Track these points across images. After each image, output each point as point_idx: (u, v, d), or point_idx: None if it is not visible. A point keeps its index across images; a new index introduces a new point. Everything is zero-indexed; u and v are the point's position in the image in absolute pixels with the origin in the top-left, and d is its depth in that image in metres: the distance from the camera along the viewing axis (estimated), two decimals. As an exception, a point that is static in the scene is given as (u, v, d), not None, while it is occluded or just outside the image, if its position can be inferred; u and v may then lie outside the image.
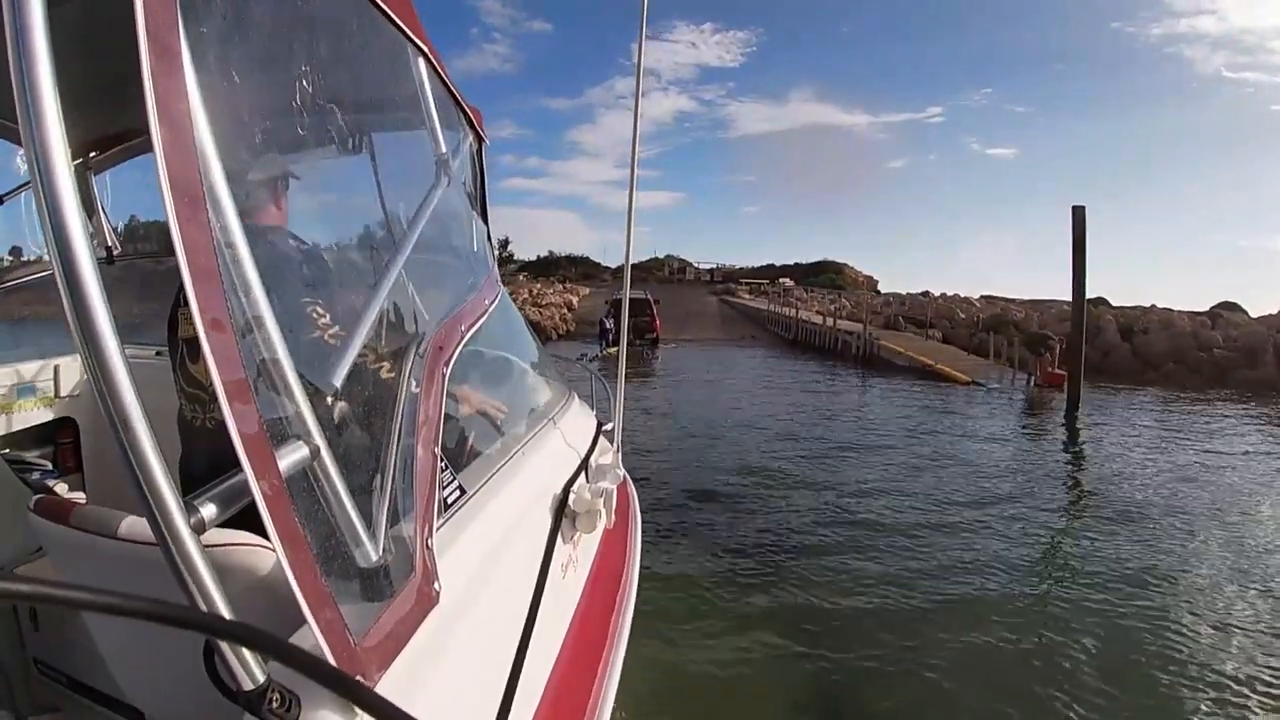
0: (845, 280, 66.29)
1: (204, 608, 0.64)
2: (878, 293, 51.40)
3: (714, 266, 77.25)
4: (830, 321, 25.27)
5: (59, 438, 2.38)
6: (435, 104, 1.72)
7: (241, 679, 0.68)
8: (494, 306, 1.73)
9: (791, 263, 78.53)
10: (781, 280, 58.26)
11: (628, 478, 2.60)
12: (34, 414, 2.31)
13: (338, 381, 0.95)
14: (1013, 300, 40.11)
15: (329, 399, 0.94)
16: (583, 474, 1.96)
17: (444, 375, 1.25)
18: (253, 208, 1.18)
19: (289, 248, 1.33)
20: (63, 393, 2.39)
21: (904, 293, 47.93)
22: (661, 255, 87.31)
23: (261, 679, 0.69)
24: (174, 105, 0.66)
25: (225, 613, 0.66)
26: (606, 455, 2.20)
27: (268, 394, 0.79)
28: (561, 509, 1.71)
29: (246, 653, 0.67)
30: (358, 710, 0.73)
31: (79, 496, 2.22)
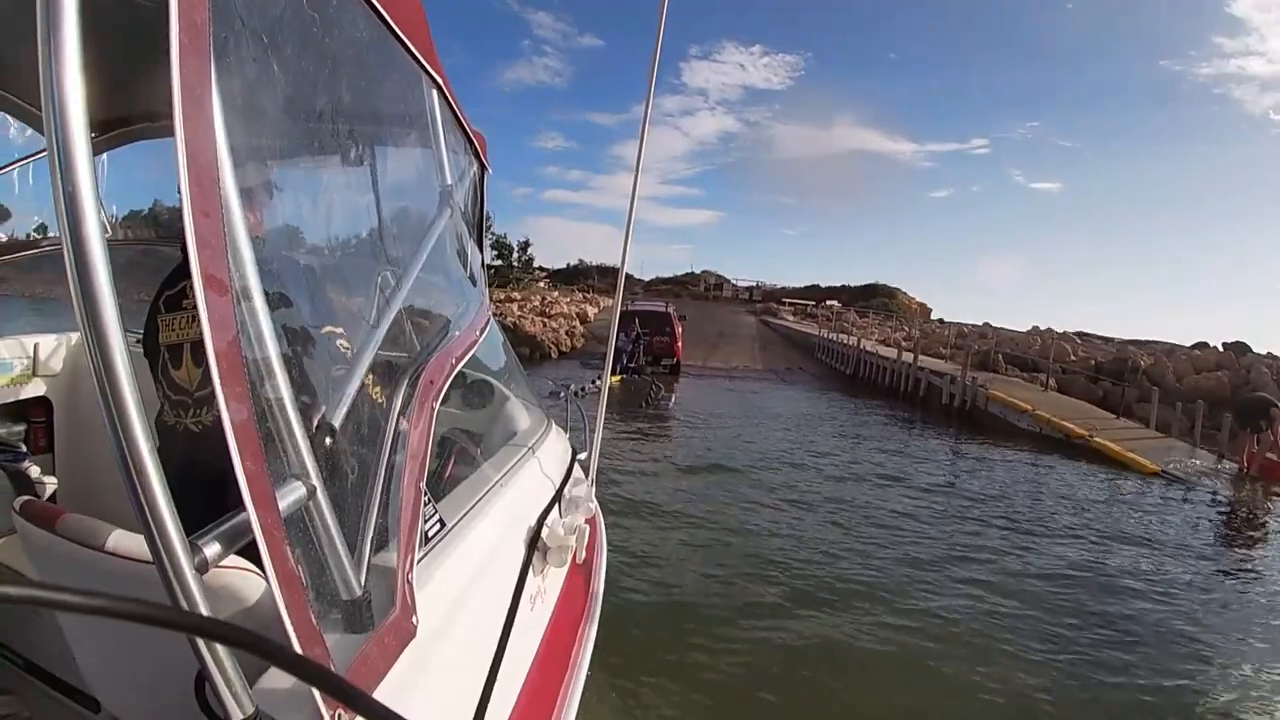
0: (897, 306, 59.59)
1: (200, 639, 0.66)
2: (941, 322, 44.77)
3: (753, 285, 70.85)
4: (909, 357, 19.18)
5: (32, 416, 2.30)
6: (444, 134, 1.77)
7: (231, 709, 0.69)
8: (484, 337, 1.77)
9: (838, 284, 71.49)
10: (828, 302, 52.12)
11: (597, 508, 2.59)
12: (8, 391, 2.27)
13: (336, 420, 0.97)
14: (1109, 339, 33.48)
15: (326, 437, 0.95)
16: (556, 506, 1.94)
17: (433, 409, 1.26)
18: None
19: (292, 272, 1.30)
20: (40, 371, 2.33)
21: (968, 323, 41.17)
22: (698, 271, 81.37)
23: (250, 709, 0.70)
24: (203, 154, 0.68)
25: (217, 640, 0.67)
26: (580, 486, 2.21)
27: (271, 434, 0.80)
28: (534, 542, 1.70)
29: (237, 684, 0.69)
30: None
31: (49, 481, 2.17)
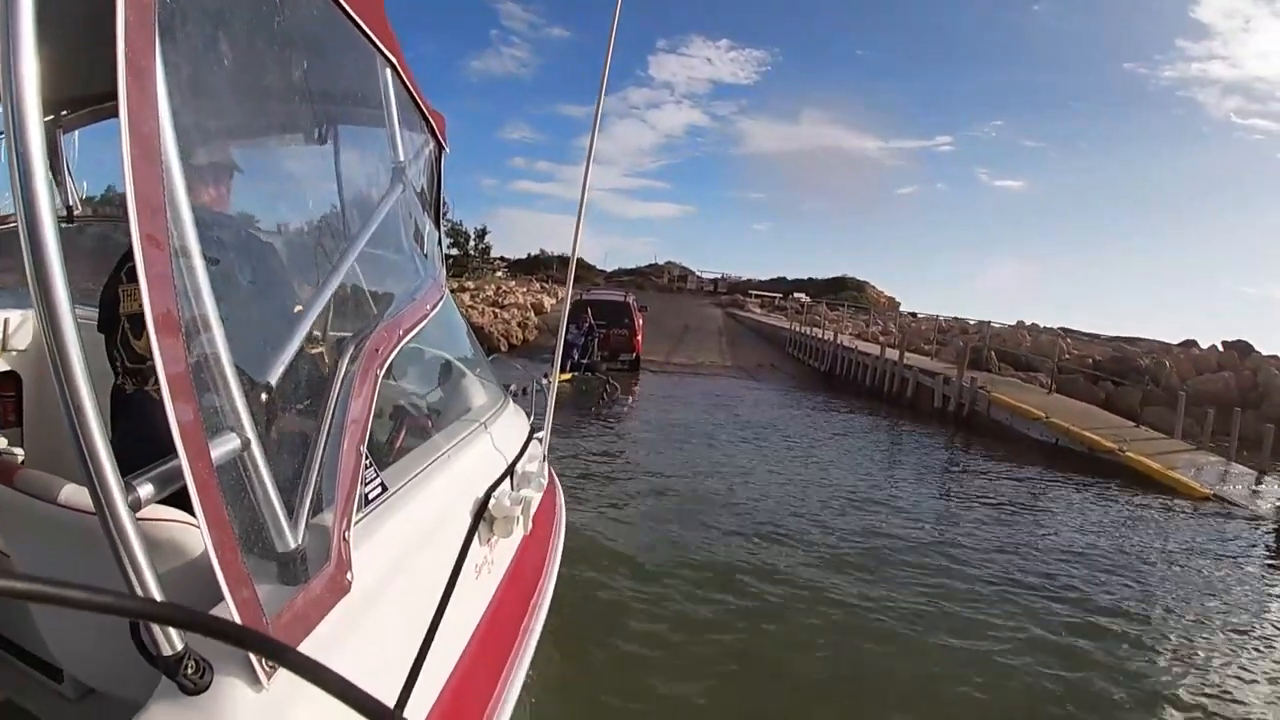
0: (866, 299, 58.17)
1: (134, 578, 0.70)
2: (914, 315, 43.31)
3: (718, 276, 68.61)
4: (893, 354, 17.20)
5: (1, 391, 2.30)
6: (398, 112, 1.78)
7: (162, 646, 0.73)
8: (435, 312, 1.78)
9: (805, 277, 69.39)
10: (796, 295, 50.44)
11: (557, 482, 2.63)
12: None
13: (273, 378, 1.00)
14: (1095, 335, 32.17)
15: (263, 394, 0.97)
16: (508, 479, 1.93)
17: (377, 376, 1.27)
18: (205, 198, 1.19)
19: (237, 239, 1.35)
20: (7, 346, 2.31)
21: (938, 316, 39.56)
22: (663, 262, 78.99)
23: (180, 647, 0.74)
24: (145, 124, 0.70)
25: (153, 583, 0.71)
26: (534, 462, 2.17)
27: (206, 386, 0.82)
28: (481, 512, 1.70)
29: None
30: (262, 679, 0.81)
31: (17, 452, 2.06)
